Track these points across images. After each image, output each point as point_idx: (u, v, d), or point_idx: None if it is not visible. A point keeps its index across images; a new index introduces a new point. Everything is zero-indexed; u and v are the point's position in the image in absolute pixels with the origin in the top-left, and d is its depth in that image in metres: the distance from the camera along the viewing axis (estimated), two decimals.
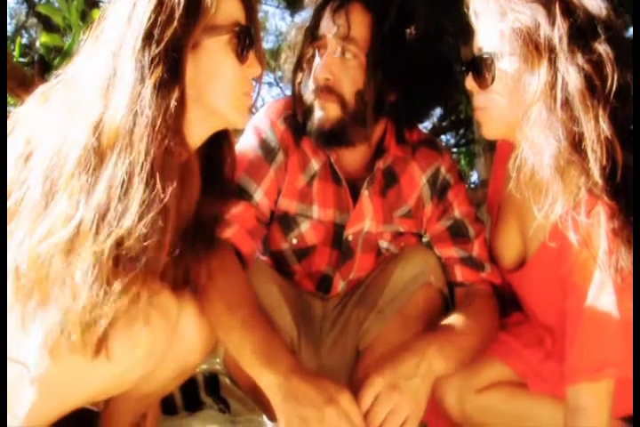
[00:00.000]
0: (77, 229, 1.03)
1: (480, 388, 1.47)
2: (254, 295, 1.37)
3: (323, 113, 1.45)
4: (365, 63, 1.44)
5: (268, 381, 1.23)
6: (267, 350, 1.25)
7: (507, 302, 1.58)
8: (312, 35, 1.49)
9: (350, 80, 1.44)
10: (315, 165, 1.55)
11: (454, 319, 1.44)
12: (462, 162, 5.45)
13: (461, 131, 4.76)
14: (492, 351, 1.47)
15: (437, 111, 5.05)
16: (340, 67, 1.45)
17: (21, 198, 1.10)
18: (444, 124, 4.80)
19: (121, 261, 1.04)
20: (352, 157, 1.56)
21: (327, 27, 1.46)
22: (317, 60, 1.48)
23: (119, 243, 1.03)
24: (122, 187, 1.05)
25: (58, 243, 1.03)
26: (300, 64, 1.52)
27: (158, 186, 1.06)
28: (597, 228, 1.19)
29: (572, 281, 1.26)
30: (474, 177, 5.38)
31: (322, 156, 1.55)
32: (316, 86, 1.46)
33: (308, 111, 1.48)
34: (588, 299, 1.22)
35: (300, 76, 1.52)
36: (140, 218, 1.04)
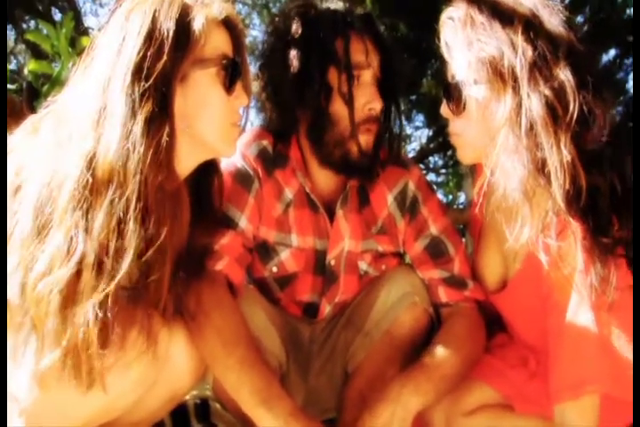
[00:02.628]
0: (78, 268, 1.04)
1: (467, 411, 1.48)
2: (251, 333, 1.37)
3: (365, 145, 1.49)
4: (378, 84, 1.50)
5: (268, 424, 1.24)
6: (265, 391, 1.26)
7: (491, 324, 1.59)
8: (339, 64, 1.46)
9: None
10: (288, 193, 1.57)
11: (436, 346, 1.45)
12: (450, 183, 5.50)
13: (449, 152, 4.82)
14: (477, 374, 1.49)
15: (425, 133, 5.14)
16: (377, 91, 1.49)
17: (11, 232, 1.10)
18: (431, 145, 4.85)
19: (121, 299, 1.05)
20: (325, 181, 1.58)
21: (361, 55, 1.46)
22: (359, 90, 1.47)
23: (120, 281, 1.04)
24: (119, 225, 1.06)
25: (59, 281, 1.03)
26: (329, 93, 1.47)
27: (153, 224, 1.07)
28: (570, 248, 1.22)
29: (553, 301, 1.29)
30: (461, 198, 5.43)
31: (295, 184, 1.56)
32: (366, 118, 1.47)
33: (341, 142, 1.48)
34: (567, 318, 1.24)
35: (330, 105, 1.48)
36: (139, 257, 1.05)
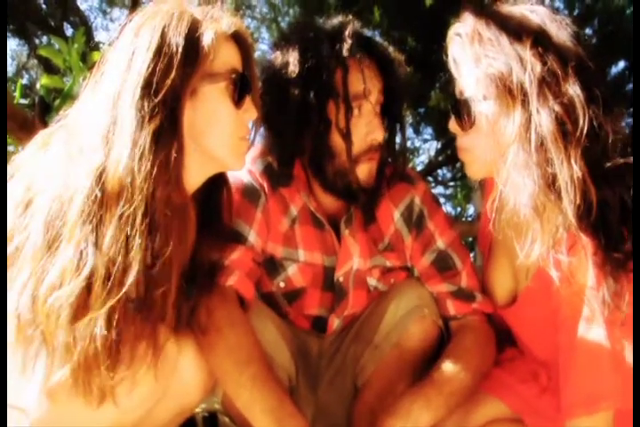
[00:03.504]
0: (88, 281, 1.04)
1: (477, 426, 1.47)
2: (263, 351, 1.37)
3: (368, 173, 1.48)
4: (380, 111, 1.48)
5: None
6: (278, 410, 1.26)
7: (501, 338, 1.58)
8: (337, 96, 1.42)
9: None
10: (293, 210, 1.56)
11: (446, 360, 1.44)
12: (459, 195, 5.49)
13: (457, 165, 4.81)
14: (487, 388, 1.48)
15: (434, 146, 5.14)
16: (378, 120, 1.47)
17: (22, 245, 1.11)
18: (439, 158, 4.85)
19: (129, 312, 1.05)
20: (330, 201, 1.57)
21: (360, 85, 1.42)
22: (359, 120, 1.45)
23: (128, 295, 1.04)
24: (127, 239, 1.06)
25: (69, 294, 1.04)
26: (328, 126, 1.44)
27: (160, 238, 1.07)
28: (581, 263, 1.21)
29: (562, 316, 1.28)
30: (470, 210, 5.41)
31: (299, 202, 1.56)
32: (367, 148, 1.46)
33: (342, 173, 1.47)
34: (579, 333, 1.23)
35: (329, 138, 1.45)
36: (146, 270, 1.05)
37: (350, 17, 1.52)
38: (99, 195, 1.09)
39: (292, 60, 1.43)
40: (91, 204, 1.08)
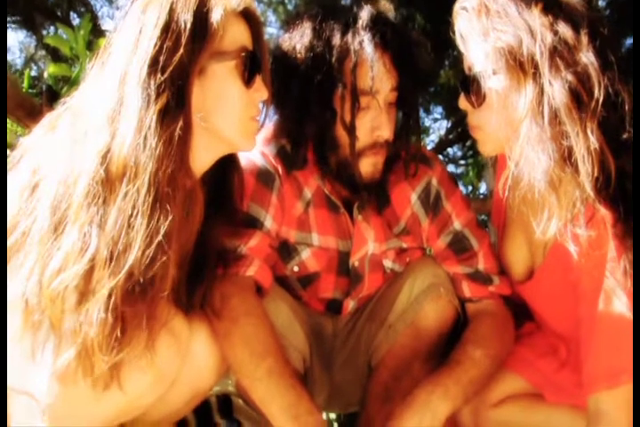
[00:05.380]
0: (91, 264, 1.02)
1: (495, 402, 1.46)
2: (279, 343, 1.34)
3: (372, 167, 1.44)
4: (396, 105, 1.42)
5: None
6: (295, 407, 1.24)
7: (519, 313, 1.56)
8: (345, 88, 1.36)
9: (393, 124, 1.43)
10: (307, 192, 1.52)
11: (463, 347, 1.42)
12: (470, 173, 5.44)
13: (468, 143, 4.76)
14: (506, 363, 1.46)
15: (444, 124, 5.09)
16: (390, 116, 1.41)
17: (28, 229, 1.09)
18: (450, 136, 4.81)
19: (131, 292, 1.03)
20: (343, 183, 1.51)
21: (371, 81, 1.33)
22: (367, 114, 1.39)
23: (129, 275, 1.02)
24: (129, 219, 1.04)
25: (73, 277, 1.02)
26: (334, 116, 1.39)
27: (161, 217, 1.05)
28: (600, 236, 1.18)
29: (582, 289, 1.26)
30: (483, 188, 5.36)
31: (313, 184, 1.52)
32: (372, 143, 1.40)
33: (345, 165, 1.43)
34: (600, 306, 1.21)
35: (334, 128, 1.41)
36: (144, 250, 1.03)
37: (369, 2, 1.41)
38: (103, 175, 1.06)
39: (299, 47, 1.37)
40: (95, 185, 1.06)
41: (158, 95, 1.10)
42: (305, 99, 1.39)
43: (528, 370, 1.47)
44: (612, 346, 1.21)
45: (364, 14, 1.37)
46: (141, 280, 1.03)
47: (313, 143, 1.47)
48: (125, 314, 1.02)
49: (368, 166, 1.44)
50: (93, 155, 1.08)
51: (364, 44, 1.33)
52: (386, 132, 1.40)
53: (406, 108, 1.46)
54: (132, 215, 1.04)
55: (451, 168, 5.48)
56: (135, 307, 1.03)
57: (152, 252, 1.03)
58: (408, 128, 1.49)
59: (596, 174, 1.14)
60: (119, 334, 1.01)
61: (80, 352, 1.01)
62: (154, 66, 1.11)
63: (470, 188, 5.53)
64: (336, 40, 1.35)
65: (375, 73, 1.33)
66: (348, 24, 1.36)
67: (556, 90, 1.16)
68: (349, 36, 1.35)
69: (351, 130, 1.38)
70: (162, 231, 1.04)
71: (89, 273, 1.02)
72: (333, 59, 1.35)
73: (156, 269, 1.04)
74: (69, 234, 1.05)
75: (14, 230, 1.11)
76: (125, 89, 1.12)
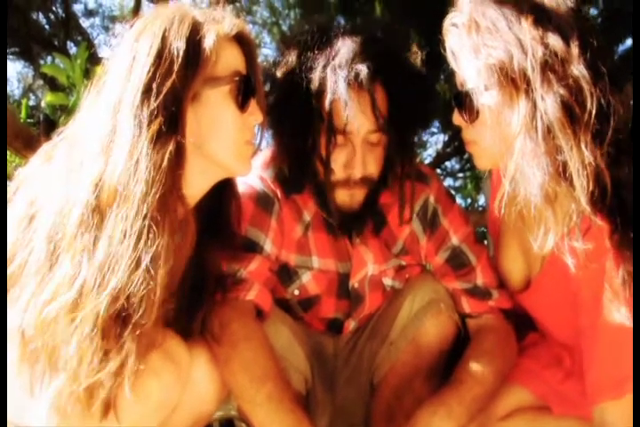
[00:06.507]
0: (81, 290, 1.02)
1: (502, 416, 1.45)
2: (280, 367, 1.34)
3: (349, 198, 1.42)
4: (386, 139, 1.39)
5: None
6: None
7: (521, 323, 1.56)
8: (325, 124, 1.33)
9: (377, 162, 1.40)
10: (307, 216, 1.51)
11: (466, 365, 1.41)
12: (469, 186, 5.45)
13: (466, 155, 4.77)
14: (511, 376, 1.45)
15: (441, 138, 5.09)
16: (370, 155, 1.38)
17: (25, 261, 1.09)
18: (447, 150, 4.82)
19: (118, 319, 1.02)
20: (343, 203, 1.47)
21: (351, 117, 1.29)
22: (342, 151, 1.36)
23: (115, 299, 1.02)
24: (118, 245, 1.03)
25: (63, 305, 1.01)
26: (314, 147, 1.38)
27: (149, 242, 1.04)
28: (597, 248, 1.18)
29: (581, 299, 1.26)
30: (481, 200, 5.37)
31: (312, 207, 1.51)
32: (346, 178, 1.38)
33: (324, 195, 1.43)
34: (601, 315, 1.21)
35: (312, 157, 1.40)
36: (129, 274, 1.02)
37: (357, 38, 1.36)
38: (95, 204, 1.06)
39: (283, 73, 1.37)
40: (88, 213, 1.06)
41: (151, 121, 1.10)
42: (290, 126, 1.38)
43: (533, 382, 1.46)
44: (614, 356, 1.21)
45: (344, 50, 1.32)
46: (126, 305, 1.02)
47: (295, 169, 1.45)
48: (110, 339, 1.01)
49: (344, 197, 1.42)
50: (87, 184, 1.08)
51: (338, 82, 1.29)
52: (358, 172, 1.37)
53: (394, 150, 1.41)
54: (121, 241, 1.04)
55: (449, 181, 5.50)
56: (121, 332, 1.02)
57: (138, 277, 1.02)
58: (398, 167, 1.45)
59: (591, 188, 1.13)
60: (102, 359, 1.00)
61: (69, 379, 1.00)
62: (147, 93, 1.11)
63: (469, 200, 5.54)
64: (316, 74, 1.33)
65: (349, 113, 1.29)
66: (329, 58, 1.33)
67: (549, 104, 1.16)
68: (328, 72, 1.31)
69: (325, 164, 1.36)
70: (149, 256, 1.04)
71: (77, 300, 1.02)
72: (312, 92, 1.33)
73: (141, 294, 1.03)
74: (62, 264, 1.05)
75: (11, 262, 1.10)
76: (119, 117, 1.12)
